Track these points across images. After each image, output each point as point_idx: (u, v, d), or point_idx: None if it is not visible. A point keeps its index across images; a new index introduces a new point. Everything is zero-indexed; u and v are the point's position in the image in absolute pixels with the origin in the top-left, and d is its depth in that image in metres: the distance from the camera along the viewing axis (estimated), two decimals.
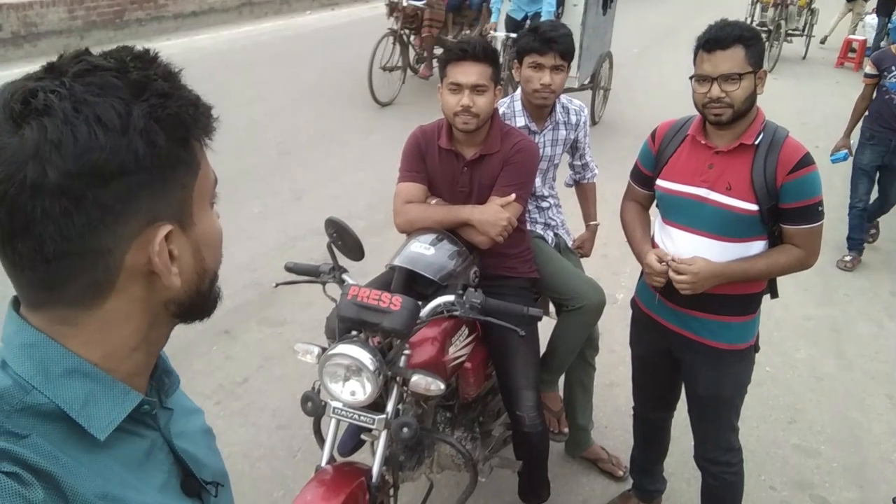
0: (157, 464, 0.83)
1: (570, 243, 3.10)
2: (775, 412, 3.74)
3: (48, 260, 0.69)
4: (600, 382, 3.69)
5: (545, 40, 2.62)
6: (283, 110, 7.88)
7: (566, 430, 3.10)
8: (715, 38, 2.17)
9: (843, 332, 4.58)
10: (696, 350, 2.44)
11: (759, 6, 12.60)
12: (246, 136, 6.79)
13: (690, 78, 2.26)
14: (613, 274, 5.02)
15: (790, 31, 12.53)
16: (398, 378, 2.09)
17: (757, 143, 2.22)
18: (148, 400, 0.81)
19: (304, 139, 7.14)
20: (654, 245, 2.45)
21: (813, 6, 13.07)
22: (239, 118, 7.11)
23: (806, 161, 2.17)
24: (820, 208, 2.21)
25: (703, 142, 2.29)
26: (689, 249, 2.30)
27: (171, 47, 9.35)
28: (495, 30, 7.93)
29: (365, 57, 7.86)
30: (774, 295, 2.48)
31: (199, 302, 0.83)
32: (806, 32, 13.15)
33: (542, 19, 6.20)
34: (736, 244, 2.27)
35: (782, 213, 2.21)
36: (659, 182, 2.41)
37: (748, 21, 11.04)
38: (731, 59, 2.15)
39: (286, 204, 5.77)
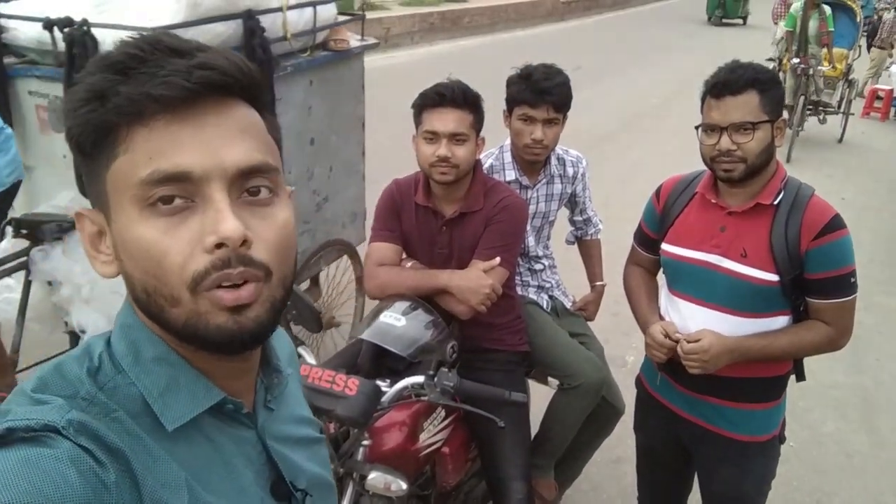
0: (246, 462, 0.81)
1: (567, 304, 2.82)
2: (800, 495, 3.37)
3: None
4: (605, 458, 3.37)
5: (537, 91, 2.36)
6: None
7: None
8: (724, 82, 1.88)
9: (874, 404, 4.20)
10: (710, 442, 2.11)
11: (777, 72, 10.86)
12: None
13: (696, 128, 1.99)
14: (624, 334, 4.70)
15: (823, 107, 9.79)
16: (354, 474, 1.81)
17: (776, 202, 1.92)
18: (231, 400, 0.78)
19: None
20: (661, 318, 2.16)
21: (851, 77, 10.23)
22: None
23: (835, 224, 1.87)
24: (852, 279, 1.90)
25: (713, 201, 2.00)
26: (699, 325, 1.99)
27: None
28: None
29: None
30: (801, 377, 2.15)
31: (156, 315, 0.72)
32: (843, 109, 10.01)
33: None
34: (754, 320, 1.96)
35: (808, 284, 1.91)
36: (664, 246, 2.12)
37: None
38: (744, 106, 1.85)
39: None
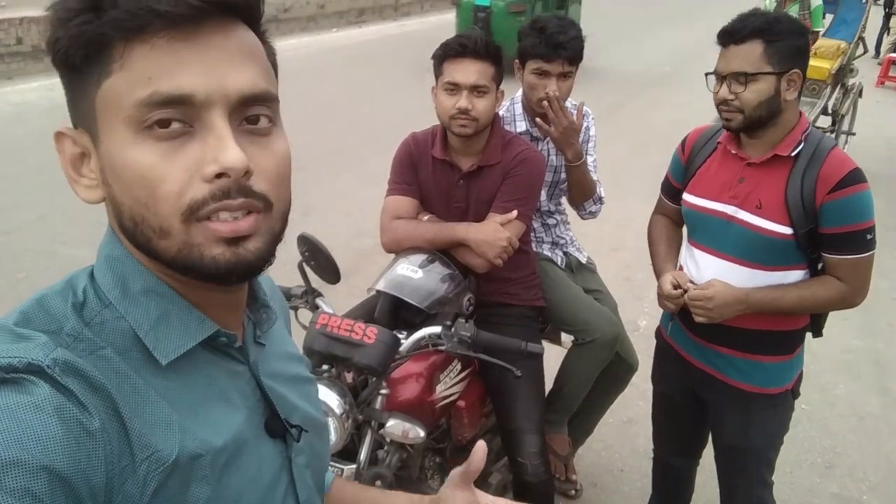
0: (240, 398, 0.79)
1: (583, 260, 2.80)
2: (811, 456, 3.38)
3: None
4: (617, 419, 3.39)
5: (552, 45, 2.30)
6: (301, 125, 7.68)
7: (574, 477, 2.80)
8: (730, 31, 1.85)
9: (886, 367, 4.19)
10: (721, 391, 2.12)
11: None
12: None
13: (706, 75, 1.97)
14: (637, 299, 4.69)
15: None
16: (372, 422, 1.81)
17: (794, 154, 1.88)
18: (225, 333, 0.76)
19: (320, 154, 6.95)
20: (679, 268, 2.15)
21: (850, 81, 7.49)
22: None
23: (853, 178, 1.81)
24: (869, 236, 1.84)
25: (733, 152, 1.98)
26: (714, 275, 1.99)
27: None
28: None
29: (389, 74, 7.66)
30: (817, 333, 2.12)
31: (143, 246, 0.69)
32: (838, 127, 7.30)
33: None
34: (768, 273, 1.94)
35: (823, 238, 1.87)
36: (685, 196, 2.10)
37: None
38: (745, 55, 1.83)
39: (293, 219, 5.52)
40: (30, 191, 5.43)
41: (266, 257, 0.71)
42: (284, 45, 12.13)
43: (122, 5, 0.62)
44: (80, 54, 0.65)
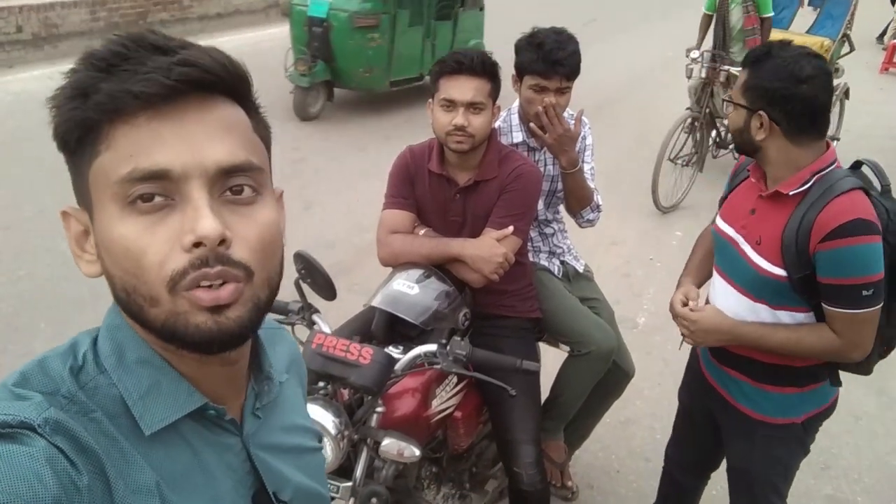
0: (226, 469, 0.80)
1: (579, 269, 2.81)
2: (807, 457, 3.40)
3: None
4: (614, 419, 3.41)
5: (550, 62, 2.30)
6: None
7: (570, 483, 2.83)
8: (749, 55, 1.87)
9: (883, 366, 4.16)
10: (731, 415, 2.11)
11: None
12: None
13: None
14: (635, 295, 4.71)
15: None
16: (368, 441, 1.84)
17: (799, 191, 1.79)
18: (214, 406, 0.78)
19: (322, 145, 6.94)
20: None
21: (834, 81, 6.19)
22: None
23: (851, 229, 1.66)
24: (866, 292, 1.70)
25: (754, 181, 1.95)
26: (724, 301, 1.98)
27: None
28: None
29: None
30: (835, 382, 2.01)
31: (136, 315, 0.71)
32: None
33: None
34: (770, 309, 1.89)
35: (820, 287, 1.76)
36: (716, 218, 2.09)
37: None
38: (738, 81, 1.88)
39: (294, 214, 5.54)
40: (30, 184, 5.39)
41: (249, 325, 0.72)
42: (286, 31, 12.07)
43: (104, 90, 0.66)
44: (73, 137, 0.69)
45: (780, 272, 1.81)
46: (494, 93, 2.15)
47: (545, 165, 2.56)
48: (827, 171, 1.79)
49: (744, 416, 2.07)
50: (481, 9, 8.92)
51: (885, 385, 4.02)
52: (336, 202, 5.77)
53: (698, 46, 6.18)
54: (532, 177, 2.23)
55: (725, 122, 6.01)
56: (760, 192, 1.90)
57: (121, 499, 0.67)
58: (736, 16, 6.13)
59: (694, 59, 5.96)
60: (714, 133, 6.52)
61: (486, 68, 2.12)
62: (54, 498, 0.59)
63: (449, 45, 8.32)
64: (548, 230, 2.72)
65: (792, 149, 1.81)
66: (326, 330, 1.98)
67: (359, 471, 1.83)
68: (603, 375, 2.59)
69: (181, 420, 0.75)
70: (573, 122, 2.43)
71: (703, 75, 5.93)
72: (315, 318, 2.03)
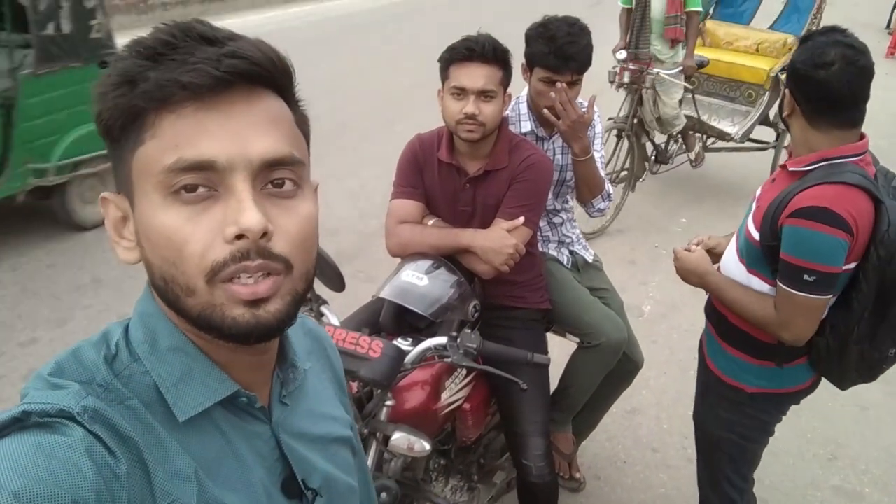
0: (257, 457, 0.80)
1: (589, 258, 2.79)
2: (813, 447, 3.39)
3: None
4: (621, 409, 3.39)
5: (562, 57, 2.26)
6: (303, 98, 7.59)
7: (578, 475, 2.81)
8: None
9: None
10: (701, 367, 2.25)
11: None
12: None
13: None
14: (641, 283, 4.69)
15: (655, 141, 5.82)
16: (378, 434, 1.82)
17: (801, 170, 1.85)
18: (245, 393, 0.78)
19: (323, 129, 6.90)
20: None
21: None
22: None
23: (814, 213, 1.70)
24: (808, 277, 1.74)
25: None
26: (726, 253, 2.09)
27: None
28: None
29: (393, 41, 7.51)
30: (779, 365, 2.01)
31: (173, 304, 0.72)
32: (780, 142, 6.00)
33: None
34: (745, 272, 1.97)
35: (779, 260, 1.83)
36: None
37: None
38: None
39: None
40: None
41: (287, 319, 0.73)
42: (287, 14, 11.99)
43: (152, 78, 0.66)
44: (117, 125, 0.69)
45: (756, 235, 1.89)
46: (506, 80, 2.11)
47: (554, 155, 2.52)
48: (838, 160, 1.79)
49: (706, 367, 2.19)
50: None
51: (889, 376, 3.98)
52: (338, 188, 5.73)
53: (626, 47, 5.36)
54: (543, 166, 2.19)
55: (657, 133, 5.61)
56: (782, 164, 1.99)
57: (160, 485, 0.68)
58: (658, 7, 5.25)
59: (621, 62, 5.17)
60: (650, 146, 5.80)
61: (497, 55, 2.08)
62: (93, 487, 0.60)
63: None
64: (557, 219, 2.69)
65: (809, 130, 1.85)
66: (335, 322, 1.95)
67: (368, 464, 1.81)
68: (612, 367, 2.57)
69: (213, 408, 0.76)
70: (587, 106, 2.39)
71: (628, 80, 5.14)
72: (323, 309, 2.01)
